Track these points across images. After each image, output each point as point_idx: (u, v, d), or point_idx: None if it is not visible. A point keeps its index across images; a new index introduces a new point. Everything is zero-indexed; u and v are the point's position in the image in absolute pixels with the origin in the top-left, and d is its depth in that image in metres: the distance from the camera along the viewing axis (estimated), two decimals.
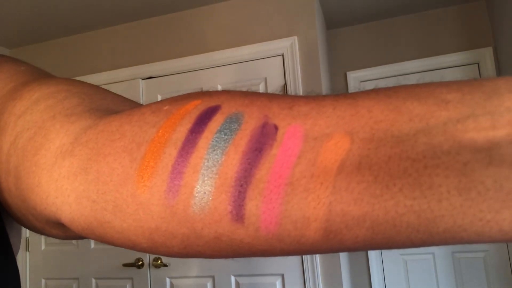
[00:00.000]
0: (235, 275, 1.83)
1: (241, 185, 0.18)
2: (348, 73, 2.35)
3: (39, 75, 0.29)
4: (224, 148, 0.18)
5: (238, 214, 0.18)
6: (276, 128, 0.18)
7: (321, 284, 1.70)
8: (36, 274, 2.16)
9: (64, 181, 0.22)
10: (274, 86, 1.87)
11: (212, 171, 0.18)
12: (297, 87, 1.81)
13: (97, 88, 0.28)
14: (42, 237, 2.14)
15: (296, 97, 0.20)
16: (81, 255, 2.08)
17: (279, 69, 1.87)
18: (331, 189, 0.16)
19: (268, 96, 0.20)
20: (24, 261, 2.17)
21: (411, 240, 0.16)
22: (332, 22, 2.32)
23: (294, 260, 1.74)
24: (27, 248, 2.19)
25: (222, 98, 0.21)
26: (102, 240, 0.23)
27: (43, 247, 2.17)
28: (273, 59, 1.89)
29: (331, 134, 0.17)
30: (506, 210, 0.14)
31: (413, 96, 0.17)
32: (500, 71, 2.07)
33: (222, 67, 1.96)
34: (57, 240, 2.12)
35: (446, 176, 0.15)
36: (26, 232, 2.16)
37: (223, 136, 0.19)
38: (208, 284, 1.87)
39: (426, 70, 2.21)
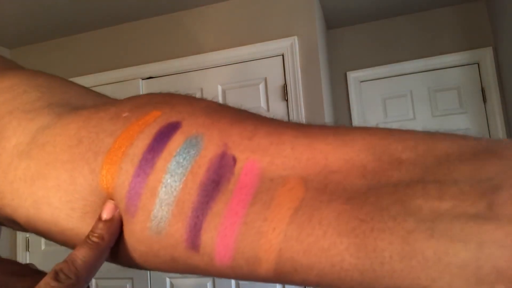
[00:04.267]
0: None
1: (197, 217, 0.18)
2: (348, 73, 2.35)
3: (1, 67, 0.29)
4: (182, 175, 0.18)
5: (194, 243, 0.18)
6: (234, 160, 0.18)
7: None
8: None
9: (20, 184, 0.21)
10: (274, 86, 1.87)
11: (169, 197, 0.18)
12: (297, 87, 1.81)
13: (59, 80, 0.28)
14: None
15: (258, 124, 0.20)
16: None
17: (279, 69, 1.87)
18: (283, 236, 0.17)
19: (231, 118, 0.20)
20: (24, 261, 2.18)
21: None
22: (332, 22, 2.32)
23: None
24: (27, 248, 2.19)
25: (184, 113, 0.21)
26: (62, 244, 0.23)
27: (43, 247, 2.17)
28: (273, 59, 1.89)
29: (287, 178, 0.18)
30: (442, 280, 0.14)
31: (369, 148, 0.17)
32: (500, 71, 2.07)
33: (222, 67, 1.96)
34: None
35: (390, 243, 0.15)
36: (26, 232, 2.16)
37: (181, 161, 0.19)
38: (208, 284, 1.87)
39: (426, 70, 2.21)
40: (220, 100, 1.92)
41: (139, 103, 0.22)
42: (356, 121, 2.29)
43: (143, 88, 2.09)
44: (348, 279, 0.16)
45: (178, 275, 1.91)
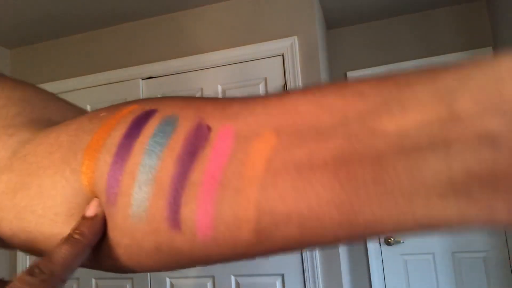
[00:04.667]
0: (235, 275, 1.83)
1: (177, 190, 0.18)
2: (348, 73, 2.35)
3: None
4: (159, 152, 0.18)
5: (175, 219, 0.18)
6: (209, 128, 0.19)
7: (321, 284, 1.70)
8: None
9: (3, 197, 0.21)
10: (274, 86, 1.87)
11: (148, 177, 0.18)
12: (297, 87, 1.81)
13: (41, 93, 0.27)
14: None
15: (231, 99, 0.20)
16: None
17: (279, 69, 1.87)
18: (259, 187, 0.17)
19: (205, 99, 0.21)
20: (24, 261, 2.18)
21: (337, 237, 0.16)
22: (332, 22, 2.32)
23: (294, 260, 1.74)
24: None
25: (160, 103, 0.21)
26: (44, 254, 0.22)
27: None
28: (273, 59, 1.89)
29: (260, 132, 0.18)
30: (420, 200, 0.14)
31: (335, 91, 0.18)
32: None
33: (222, 67, 1.96)
34: None
35: (362, 167, 0.15)
36: None
37: (158, 140, 0.19)
38: (208, 284, 1.87)
39: None
40: None
41: (118, 104, 0.22)
42: None
43: (143, 88, 2.09)
44: (328, 220, 0.16)
45: (178, 274, 1.91)
